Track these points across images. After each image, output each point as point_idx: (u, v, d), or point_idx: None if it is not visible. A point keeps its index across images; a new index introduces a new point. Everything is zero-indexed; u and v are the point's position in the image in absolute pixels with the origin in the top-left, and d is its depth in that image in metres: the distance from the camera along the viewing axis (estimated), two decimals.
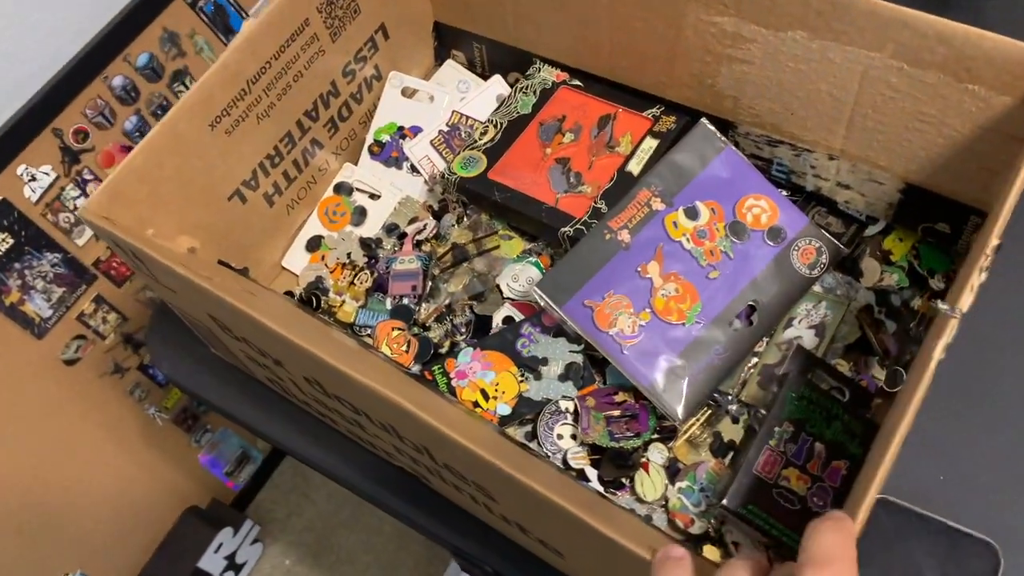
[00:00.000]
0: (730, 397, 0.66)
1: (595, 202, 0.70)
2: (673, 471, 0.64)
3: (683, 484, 0.63)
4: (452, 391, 0.69)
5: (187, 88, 1.06)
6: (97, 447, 1.39)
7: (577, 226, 0.69)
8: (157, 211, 0.64)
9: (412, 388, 0.62)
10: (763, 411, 0.65)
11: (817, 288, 0.68)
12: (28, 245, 1.09)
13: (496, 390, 0.69)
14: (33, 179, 1.05)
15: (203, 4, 1.21)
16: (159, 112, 1.19)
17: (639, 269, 0.66)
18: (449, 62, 0.86)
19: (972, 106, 0.58)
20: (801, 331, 0.67)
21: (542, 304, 0.66)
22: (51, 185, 1.07)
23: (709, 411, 0.65)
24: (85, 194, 1.12)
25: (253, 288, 0.66)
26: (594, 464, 0.66)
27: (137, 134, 1.18)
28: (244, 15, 1.22)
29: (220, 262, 0.72)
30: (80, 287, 1.24)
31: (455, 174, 0.73)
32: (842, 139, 0.66)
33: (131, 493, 1.47)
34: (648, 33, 0.69)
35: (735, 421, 0.65)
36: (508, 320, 0.72)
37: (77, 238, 1.18)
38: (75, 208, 1.12)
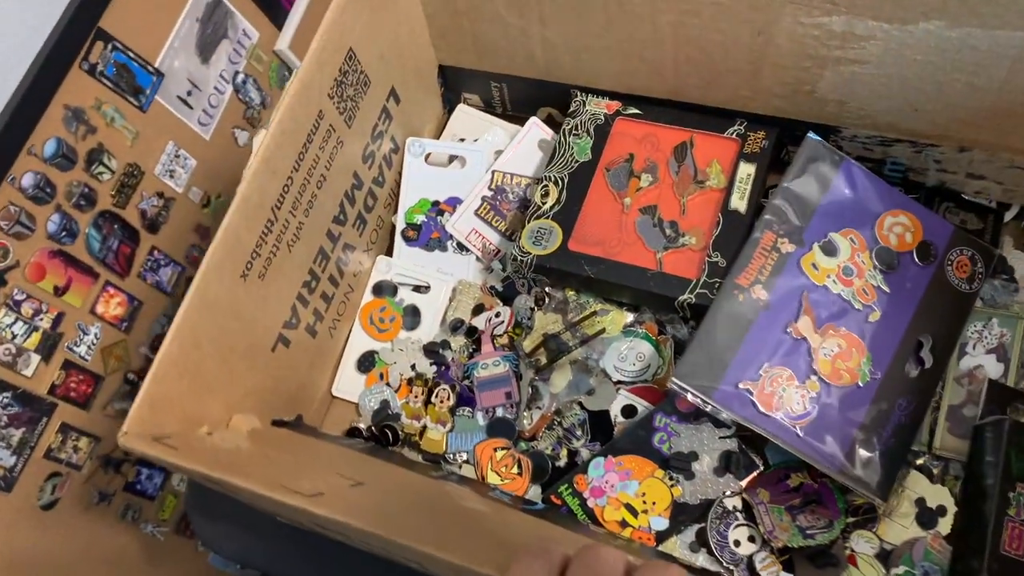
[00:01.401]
0: (924, 454, 0.57)
1: (708, 255, 0.59)
2: (882, 556, 0.55)
3: (899, 571, 0.54)
4: (591, 514, 0.58)
5: (109, 170, 0.90)
6: None
7: (698, 290, 0.58)
8: (203, 400, 0.50)
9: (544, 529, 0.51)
10: (960, 461, 0.56)
11: (978, 303, 0.59)
12: None
13: (644, 502, 0.58)
14: None
15: (102, 68, 1.03)
16: (83, 203, 1.02)
17: (789, 330, 0.56)
18: (461, 107, 0.73)
19: None
20: (980, 358, 0.58)
21: (689, 398, 0.55)
22: None
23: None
24: (22, 317, 0.95)
25: (323, 452, 0.53)
26: (787, 567, 0.56)
27: (64, 234, 1.01)
28: (150, 69, 1.04)
29: (275, 422, 0.58)
30: (40, 421, 1.07)
31: (528, 253, 0.61)
32: (978, 129, 0.57)
33: None
34: (728, 46, 0.58)
35: (933, 480, 0.56)
36: (628, 410, 0.61)
37: (23, 368, 1.00)
38: (13, 337, 0.95)
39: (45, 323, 0.99)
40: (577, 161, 0.64)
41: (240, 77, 0.89)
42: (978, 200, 0.63)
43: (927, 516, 0.55)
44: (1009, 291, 0.59)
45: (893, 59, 0.55)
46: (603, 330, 0.61)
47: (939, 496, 0.55)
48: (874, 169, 0.63)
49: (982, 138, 0.58)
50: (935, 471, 0.56)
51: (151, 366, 0.46)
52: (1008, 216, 0.63)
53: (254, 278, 0.53)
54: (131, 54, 1.03)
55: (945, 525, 0.55)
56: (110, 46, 1.02)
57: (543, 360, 0.61)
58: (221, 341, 0.51)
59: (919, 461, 0.57)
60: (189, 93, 1.07)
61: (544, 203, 0.63)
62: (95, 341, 1.07)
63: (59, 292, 1.05)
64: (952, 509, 0.55)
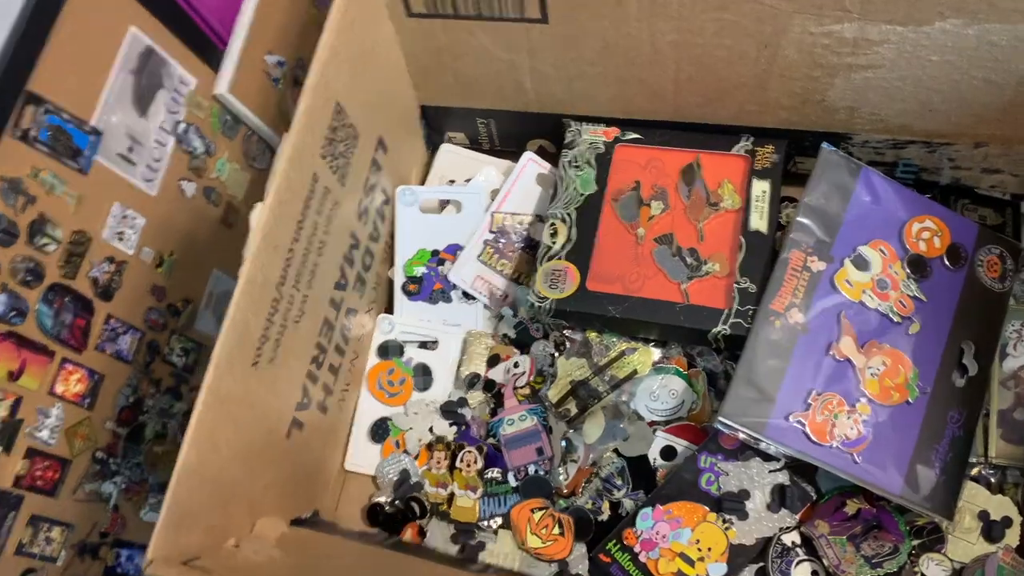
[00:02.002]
0: (979, 464, 0.55)
1: (736, 282, 0.56)
2: None
3: None
4: (643, 569, 0.55)
5: (53, 240, 0.84)
6: None
7: (732, 320, 0.55)
8: (227, 508, 0.46)
9: None
10: (1018, 468, 0.54)
11: (1011, 301, 0.57)
12: None
13: (699, 549, 0.55)
14: None
15: (35, 133, 0.97)
16: (30, 279, 0.95)
17: (831, 352, 0.53)
18: (445, 146, 0.69)
19: None
20: (1022, 358, 0.56)
21: (740, 436, 0.52)
22: None
23: None
24: None
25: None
26: None
27: (13, 314, 0.94)
28: (86, 128, 0.98)
29: (293, 522, 0.54)
30: (7, 517, 1.00)
31: (546, 298, 0.57)
32: (995, 124, 0.56)
33: None
34: (733, 61, 0.55)
35: (992, 490, 0.54)
36: (668, 452, 0.58)
37: None
38: None
39: (2, 411, 0.92)
40: (582, 195, 0.61)
41: (181, 127, 0.84)
42: (993, 194, 0.62)
43: (993, 529, 0.53)
44: None
45: (907, 61, 0.53)
46: (635, 371, 0.57)
47: (1003, 507, 0.53)
48: (887, 172, 0.62)
49: (998, 133, 0.56)
50: (993, 480, 0.55)
51: (170, 481, 0.42)
52: None
53: (265, 364, 0.48)
54: (65, 115, 0.96)
55: (1013, 537, 0.53)
56: (42, 109, 0.95)
57: (573, 410, 0.58)
58: (238, 439, 0.46)
59: (974, 471, 0.55)
60: (130, 149, 1.01)
61: (554, 243, 0.59)
62: (57, 423, 1.00)
63: (13, 377, 0.97)
64: (1018, 519, 0.53)
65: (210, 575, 0.40)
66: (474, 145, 0.69)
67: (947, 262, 0.56)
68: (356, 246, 0.58)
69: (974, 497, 0.54)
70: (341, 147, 0.54)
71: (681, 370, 0.59)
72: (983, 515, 0.53)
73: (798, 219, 0.55)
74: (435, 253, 0.63)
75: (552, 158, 0.65)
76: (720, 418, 0.52)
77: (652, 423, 0.59)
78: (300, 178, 0.49)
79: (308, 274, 0.52)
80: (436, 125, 0.68)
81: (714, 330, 0.55)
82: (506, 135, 0.67)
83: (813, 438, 0.52)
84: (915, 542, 0.53)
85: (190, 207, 0.96)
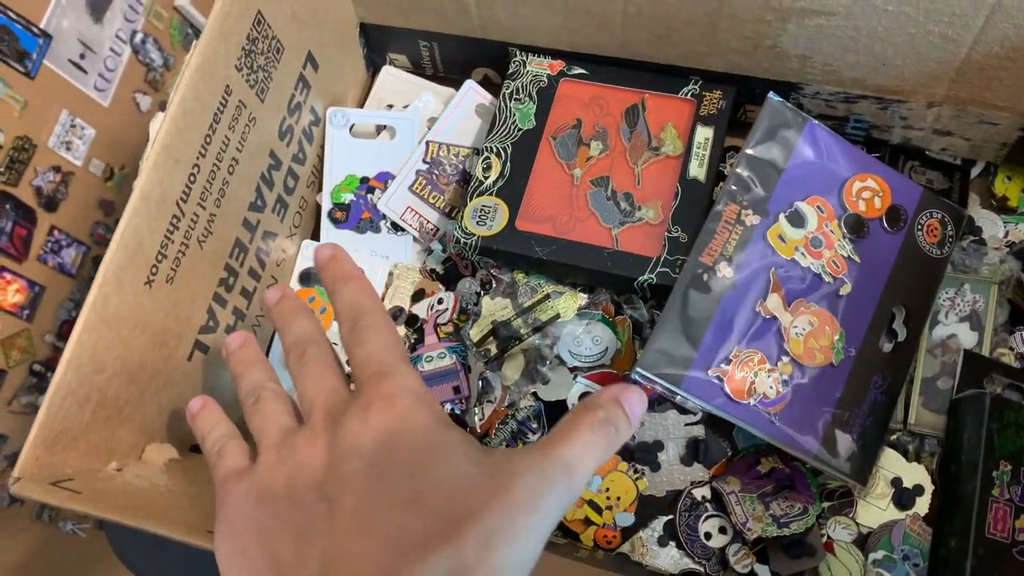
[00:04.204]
0: (897, 431, 0.54)
1: (668, 230, 0.54)
2: (859, 542, 0.53)
3: (878, 555, 0.52)
4: None
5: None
6: None
7: (659, 269, 0.53)
8: (113, 429, 0.44)
9: None
10: (936, 437, 0.53)
11: (948, 268, 0.56)
12: None
13: (608, 498, 0.54)
14: None
15: None
16: None
17: (758, 309, 0.52)
18: (387, 69, 0.66)
19: None
20: (953, 326, 0.55)
21: (656, 389, 0.51)
22: None
23: None
24: None
25: None
26: (761, 557, 0.53)
27: None
28: (35, 31, 0.94)
29: (193, 448, 0.52)
30: None
31: (472, 234, 0.55)
32: (948, 84, 0.53)
33: None
34: None
35: (908, 457, 0.54)
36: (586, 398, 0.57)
37: None
38: None
39: None
40: (520, 129, 0.58)
41: (139, 37, 0.81)
42: (943, 157, 0.60)
43: (904, 496, 0.52)
44: (979, 254, 0.57)
45: (862, 10, 0.50)
46: (557, 315, 0.56)
47: (916, 475, 0.53)
48: (837, 127, 0.60)
49: (952, 93, 0.54)
50: (910, 448, 0.54)
51: (44, 398, 0.40)
52: (974, 173, 0.60)
53: (161, 283, 0.46)
54: (11, 14, 0.91)
55: (923, 505, 0.52)
56: None
57: (493, 350, 0.56)
58: (128, 359, 0.44)
59: (893, 438, 0.54)
60: (82, 56, 0.97)
61: (487, 177, 0.57)
62: None
63: None
64: (930, 488, 0.53)
65: (78, 496, 0.38)
66: (417, 70, 0.66)
67: (886, 224, 0.54)
68: (276, 167, 0.55)
69: (889, 463, 0.53)
70: (261, 60, 0.51)
71: (607, 317, 0.57)
72: (896, 482, 0.53)
73: (736, 171, 0.53)
74: (364, 180, 0.61)
75: (497, 89, 0.62)
76: (638, 368, 0.50)
77: (574, 369, 0.57)
78: (209, 89, 0.46)
79: (217, 192, 0.49)
80: (377, 45, 0.65)
81: (640, 278, 0.53)
82: (450, 61, 0.64)
83: (731, 395, 0.50)
84: (825, 504, 0.53)
85: (145, 121, 0.93)
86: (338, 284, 0.41)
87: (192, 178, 0.46)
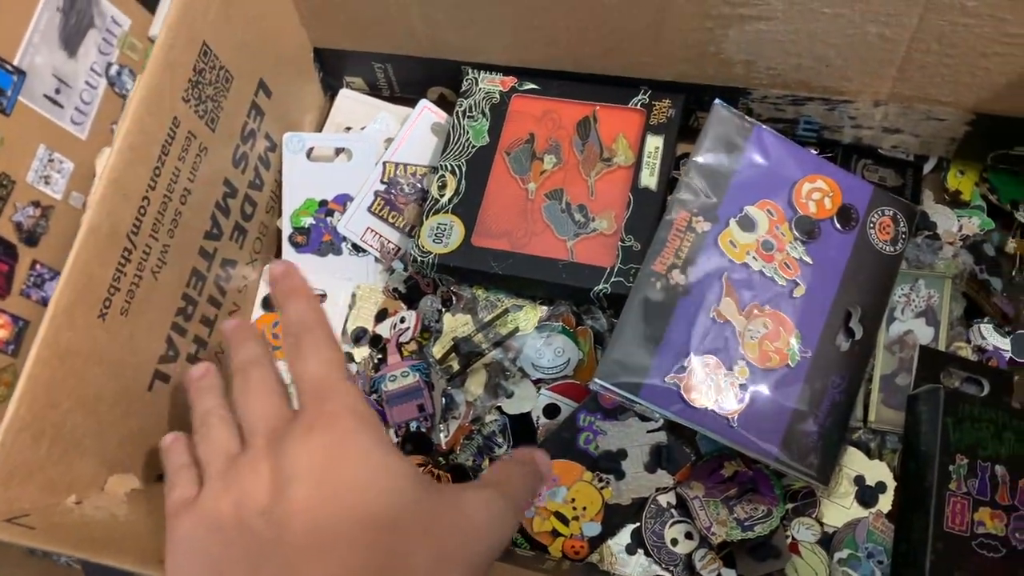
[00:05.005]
0: (859, 428, 0.54)
1: (621, 240, 0.55)
2: (824, 542, 0.53)
3: (843, 555, 0.52)
4: (519, 529, 0.54)
5: None
6: None
7: (613, 279, 0.54)
8: (71, 462, 0.44)
9: None
10: (897, 433, 0.54)
11: (903, 265, 0.56)
12: None
13: (575, 508, 0.54)
14: None
15: None
16: None
17: (712, 314, 0.52)
18: (344, 92, 0.66)
19: None
20: (909, 322, 0.55)
21: (616, 398, 0.51)
22: None
23: None
24: None
25: None
26: (728, 561, 0.53)
27: None
28: (8, 68, 0.95)
29: (160, 477, 0.52)
30: None
31: (429, 252, 0.56)
32: (892, 82, 0.54)
33: None
34: (625, 9, 0.53)
35: (870, 455, 0.54)
36: (551, 410, 0.57)
37: None
38: None
39: None
40: (474, 146, 0.59)
41: (114, 69, 0.81)
42: (895, 154, 0.60)
43: (867, 494, 0.53)
44: (933, 249, 0.57)
45: (800, 13, 0.51)
46: (516, 329, 0.56)
47: (878, 472, 0.53)
48: (787, 129, 0.60)
49: (897, 91, 0.55)
50: (872, 445, 0.54)
51: None
52: (927, 169, 0.61)
53: (115, 315, 0.46)
54: None
55: (886, 502, 0.53)
56: None
57: (455, 366, 0.56)
58: (83, 392, 0.45)
59: (855, 436, 0.55)
60: (57, 91, 0.98)
61: (442, 195, 0.58)
62: None
63: None
64: (892, 485, 0.53)
65: (32, 532, 0.39)
66: (374, 91, 0.67)
67: (837, 224, 0.54)
68: (232, 194, 0.56)
69: (852, 462, 0.54)
70: (210, 90, 0.51)
71: (567, 328, 0.58)
72: (859, 480, 0.53)
73: (685, 179, 0.54)
74: (323, 203, 0.61)
75: (451, 107, 0.62)
76: (596, 379, 0.51)
77: (538, 381, 0.58)
78: (156, 122, 0.47)
79: (169, 223, 0.50)
80: (332, 69, 0.65)
81: (595, 288, 0.54)
82: (405, 82, 0.65)
83: (689, 401, 0.51)
84: (789, 506, 0.53)
85: None
86: (287, 300, 0.41)
87: (142, 210, 0.47)
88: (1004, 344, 0.54)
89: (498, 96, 0.60)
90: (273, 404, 0.38)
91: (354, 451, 0.35)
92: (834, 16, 0.50)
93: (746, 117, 0.55)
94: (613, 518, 0.54)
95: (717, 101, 0.55)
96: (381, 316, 0.60)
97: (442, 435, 0.57)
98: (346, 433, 0.36)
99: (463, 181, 0.58)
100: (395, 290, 0.61)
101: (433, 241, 0.56)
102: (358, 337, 0.60)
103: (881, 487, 0.53)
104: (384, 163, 0.61)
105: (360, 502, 0.34)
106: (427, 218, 0.57)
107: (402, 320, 0.59)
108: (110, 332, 0.46)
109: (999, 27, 0.48)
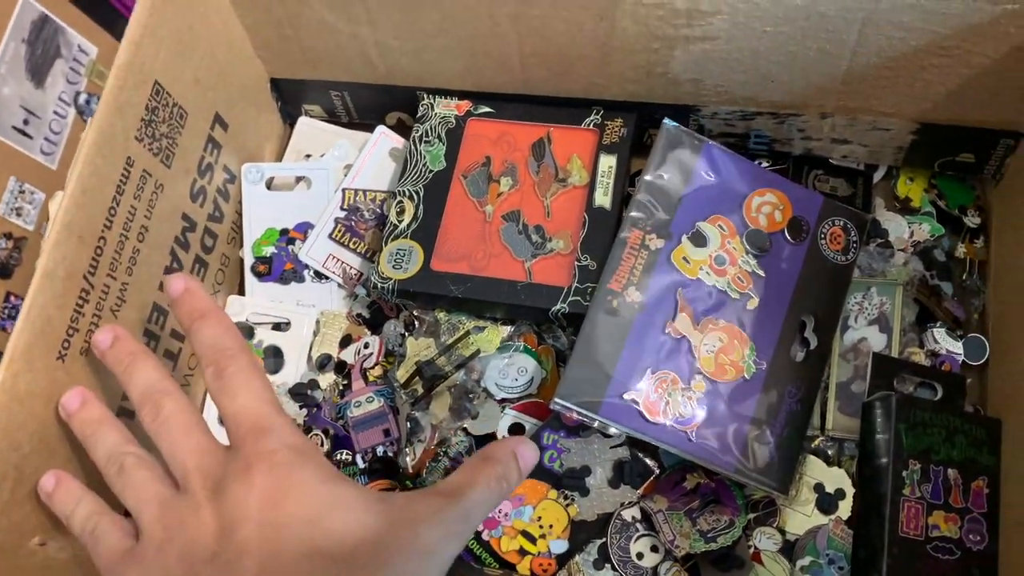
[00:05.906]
0: (817, 437, 0.55)
1: (577, 260, 0.56)
2: (786, 550, 0.54)
3: (805, 562, 0.53)
4: (487, 547, 0.55)
5: None
6: None
7: (571, 298, 0.55)
8: (35, 504, 0.45)
9: None
10: (853, 440, 0.55)
11: (855, 273, 0.57)
12: None
13: (541, 526, 0.55)
14: None
15: None
16: None
17: (668, 330, 0.53)
18: (303, 120, 0.67)
19: (1010, 27, 0.48)
20: (863, 330, 0.56)
21: (575, 416, 0.52)
22: None
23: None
24: None
25: None
26: (693, 573, 0.54)
27: None
28: None
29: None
30: None
31: (389, 279, 0.57)
32: (837, 95, 0.55)
33: None
34: (573, 34, 0.54)
35: (829, 463, 0.55)
36: (516, 429, 0.58)
37: None
38: None
39: None
40: (431, 171, 0.59)
41: (83, 98, 0.82)
42: (846, 164, 0.61)
43: (827, 502, 0.54)
44: (885, 256, 0.58)
45: (742, 32, 0.52)
46: (479, 350, 0.57)
47: (837, 479, 0.54)
48: (739, 143, 0.61)
49: (841, 103, 0.56)
50: (831, 453, 0.55)
51: None
52: (877, 177, 0.62)
53: (75, 356, 0.47)
54: None
55: (845, 509, 0.53)
56: None
57: (419, 390, 0.57)
58: (45, 434, 0.45)
59: (813, 444, 0.56)
60: (26, 122, 0.98)
61: (400, 221, 0.58)
62: None
63: None
64: (851, 491, 0.54)
65: None
66: (332, 118, 0.67)
67: (788, 236, 0.55)
68: (191, 228, 0.57)
69: (811, 470, 0.55)
70: (163, 128, 0.52)
71: (529, 347, 0.58)
72: (819, 487, 0.54)
73: (638, 197, 0.55)
74: (284, 232, 0.62)
75: (409, 132, 0.63)
76: (555, 398, 0.51)
77: (502, 401, 0.58)
78: (109, 164, 0.48)
79: (127, 261, 0.50)
80: (290, 98, 0.66)
81: (553, 308, 0.55)
82: (363, 108, 0.66)
83: (647, 416, 0.51)
84: (751, 515, 0.54)
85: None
86: (196, 323, 0.40)
87: (99, 251, 0.47)
88: (957, 348, 0.56)
89: (454, 120, 0.61)
90: (199, 442, 0.38)
91: (297, 487, 0.36)
92: (776, 34, 0.51)
93: (695, 134, 0.56)
94: (579, 535, 0.55)
95: (666, 120, 0.56)
96: (346, 342, 0.61)
97: (408, 459, 0.57)
98: (287, 469, 0.36)
99: (421, 206, 0.59)
100: (359, 315, 0.62)
101: (393, 267, 0.57)
102: (323, 364, 0.60)
103: (840, 494, 0.54)
104: (344, 190, 0.62)
105: (309, 537, 0.34)
106: (386, 244, 0.58)
107: (366, 346, 0.60)
108: (70, 373, 0.46)
109: (936, 41, 0.50)
